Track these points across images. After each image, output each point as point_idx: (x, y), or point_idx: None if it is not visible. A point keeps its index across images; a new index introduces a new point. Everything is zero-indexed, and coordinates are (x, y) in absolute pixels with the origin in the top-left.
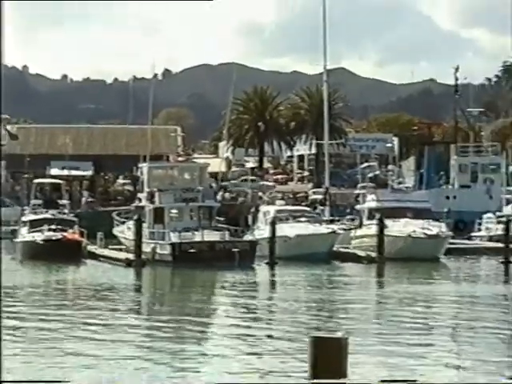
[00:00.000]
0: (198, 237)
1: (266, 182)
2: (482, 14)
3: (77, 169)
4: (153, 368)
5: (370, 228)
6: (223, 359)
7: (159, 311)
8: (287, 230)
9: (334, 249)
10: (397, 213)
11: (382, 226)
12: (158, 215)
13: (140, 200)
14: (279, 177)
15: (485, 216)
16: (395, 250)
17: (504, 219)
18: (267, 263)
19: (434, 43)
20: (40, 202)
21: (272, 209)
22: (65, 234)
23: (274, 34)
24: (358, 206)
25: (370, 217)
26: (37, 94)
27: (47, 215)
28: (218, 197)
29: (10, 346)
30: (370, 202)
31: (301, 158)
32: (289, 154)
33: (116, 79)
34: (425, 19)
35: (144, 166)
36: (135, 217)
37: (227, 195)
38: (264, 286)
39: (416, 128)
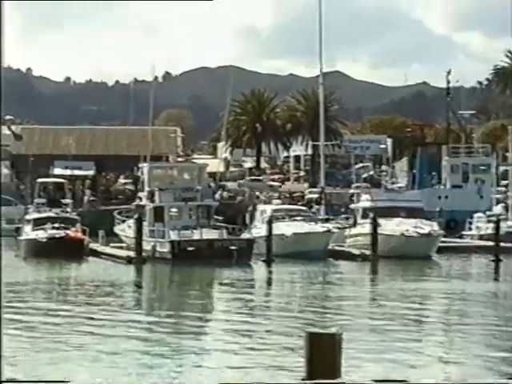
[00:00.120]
0: (196, 235)
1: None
2: (473, 18)
3: (79, 168)
4: (151, 361)
5: (364, 227)
6: (221, 353)
7: (159, 307)
8: (284, 228)
9: (329, 247)
10: (390, 212)
11: (375, 225)
12: (158, 214)
13: (140, 199)
14: (276, 177)
15: (475, 215)
16: (388, 249)
17: (494, 218)
18: (264, 261)
19: (427, 47)
20: (43, 200)
21: (269, 208)
22: (67, 231)
23: (271, 36)
24: (352, 206)
25: (364, 216)
26: (41, 96)
27: (50, 214)
28: (217, 196)
29: (13, 340)
30: (364, 201)
31: (297, 158)
32: (285, 154)
33: (117, 81)
34: (417, 23)
35: (144, 166)
36: (136, 215)
37: (225, 194)
38: (261, 282)
39: (409, 130)
